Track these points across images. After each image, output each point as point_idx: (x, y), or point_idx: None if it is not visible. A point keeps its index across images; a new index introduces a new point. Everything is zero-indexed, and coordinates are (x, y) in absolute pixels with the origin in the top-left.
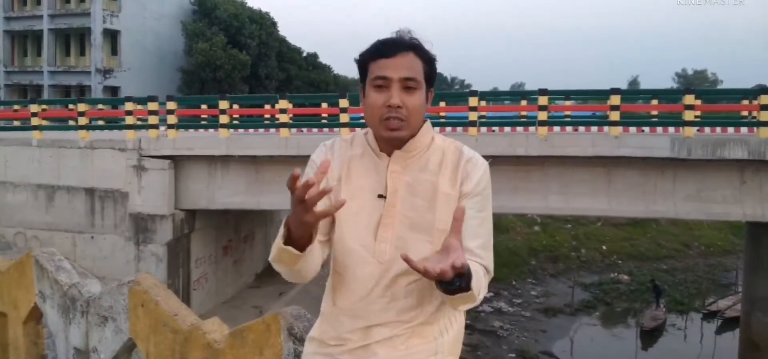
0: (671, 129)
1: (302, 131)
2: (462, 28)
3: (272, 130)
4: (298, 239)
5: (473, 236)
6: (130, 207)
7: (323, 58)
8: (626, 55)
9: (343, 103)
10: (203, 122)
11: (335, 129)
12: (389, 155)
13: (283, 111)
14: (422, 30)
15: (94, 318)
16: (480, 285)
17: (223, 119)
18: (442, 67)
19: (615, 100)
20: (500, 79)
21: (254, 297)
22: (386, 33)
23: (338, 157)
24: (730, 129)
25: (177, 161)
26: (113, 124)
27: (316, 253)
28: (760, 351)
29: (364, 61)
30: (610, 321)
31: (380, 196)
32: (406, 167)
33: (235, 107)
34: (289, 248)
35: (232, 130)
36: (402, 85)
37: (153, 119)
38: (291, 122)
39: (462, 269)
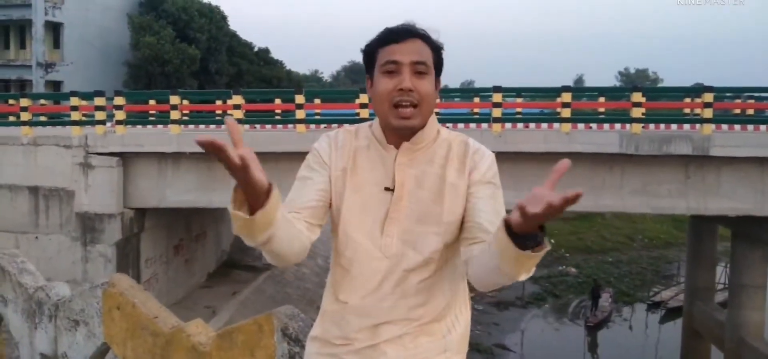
0: (618, 126)
1: (255, 127)
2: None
3: (223, 126)
4: (249, 200)
5: (490, 222)
6: (76, 206)
7: (275, 54)
8: (571, 55)
9: (299, 98)
10: (152, 118)
11: (290, 126)
12: (397, 147)
13: (236, 107)
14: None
15: (64, 322)
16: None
17: (174, 114)
18: None
19: (566, 97)
20: (449, 77)
21: (207, 297)
22: (336, 27)
23: (343, 147)
24: (674, 126)
25: (125, 159)
26: (58, 120)
27: (293, 231)
28: (702, 339)
29: (372, 49)
30: (559, 313)
31: (387, 189)
32: (413, 159)
33: (186, 102)
34: (239, 212)
35: (183, 126)
36: (413, 70)
37: (100, 115)
38: (244, 118)
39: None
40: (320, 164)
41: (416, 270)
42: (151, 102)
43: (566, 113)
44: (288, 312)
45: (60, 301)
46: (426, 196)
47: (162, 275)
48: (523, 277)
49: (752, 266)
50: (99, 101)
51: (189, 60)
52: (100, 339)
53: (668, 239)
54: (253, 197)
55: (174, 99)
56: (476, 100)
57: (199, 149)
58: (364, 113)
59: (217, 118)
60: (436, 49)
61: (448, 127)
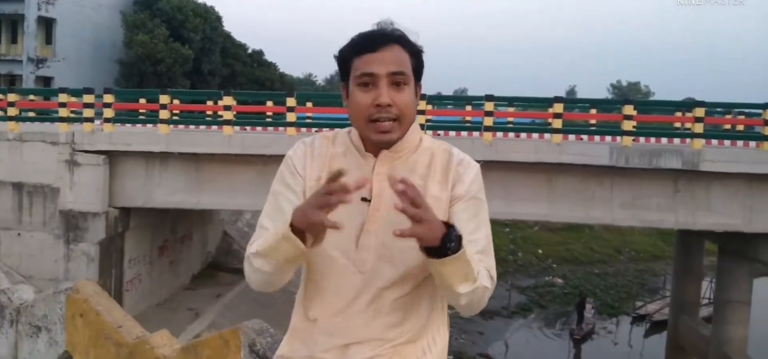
0: (608, 138)
1: (245, 129)
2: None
3: (214, 127)
4: (303, 232)
5: (470, 241)
6: (60, 204)
7: (269, 56)
8: (564, 66)
9: (291, 101)
10: (141, 117)
11: (280, 128)
12: (375, 155)
13: (227, 108)
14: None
15: (26, 327)
16: (476, 267)
17: (164, 114)
18: None
19: (558, 108)
20: (442, 84)
21: (190, 299)
22: (330, 31)
23: (319, 155)
24: (664, 140)
25: (112, 157)
26: (45, 116)
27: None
28: (686, 353)
29: (345, 57)
30: (545, 323)
31: (364, 199)
32: (392, 168)
33: (176, 102)
34: (295, 237)
35: (172, 126)
36: (390, 81)
37: (88, 112)
38: (235, 119)
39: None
40: (294, 177)
41: (392, 287)
42: (142, 101)
43: (557, 123)
44: (256, 327)
45: (22, 306)
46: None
47: (145, 275)
48: (463, 289)
49: (738, 282)
50: (88, 98)
51: (182, 60)
52: (62, 347)
53: (655, 253)
54: (314, 234)
55: (163, 98)
56: (468, 108)
57: (187, 150)
58: None
59: (207, 119)
60: (416, 53)
61: (438, 134)
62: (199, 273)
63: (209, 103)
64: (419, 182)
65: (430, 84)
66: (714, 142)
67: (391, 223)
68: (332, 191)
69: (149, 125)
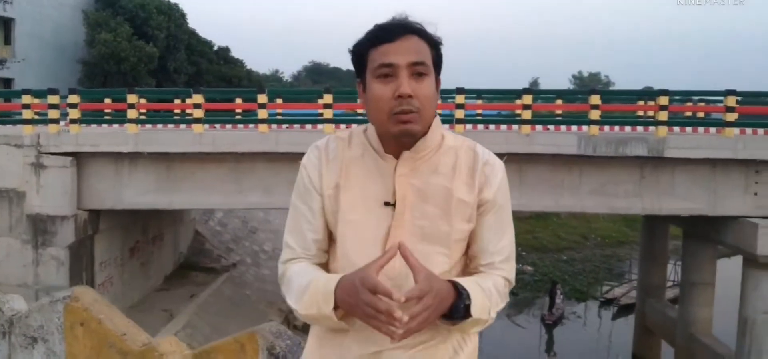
0: (574, 128)
1: (215, 127)
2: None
3: (183, 126)
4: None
5: (495, 252)
6: (27, 208)
7: (235, 53)
8: (526, 58)
9: (262, 98)
10: (108, 117)
11: (250, 126)
12: (396, 156)
13: (197, 106)
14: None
15: (20, 339)
16: (489, 303)
17: (132, 113)
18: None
19: (527, 99)
20: None
21: (163, 300)
22: (297, 27)
23: (334, 159)
24: (628, 128)
25: (80, 158)
26: (8, 118)
27: None
28: (653, 335)
29: (362, 50)
30: (516, 310)
31: (387, 203)
32: (415, 169)
33: (143, 101)
34: (337, 320)
35: (140, 125)
36: (411, 72)
37: (53, 113)
38: (204, 117)
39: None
40: (310, 188)
41: None
42: (107, 100)
43: (527, 114)
44: (273, 329)
45: (15, 316)
46: (431, 211)
47: (117, 278)
48: (476, 330)
49: (702, 264)
50: (52, 99)
51: (146, 58)
52: (61, 357)
53: (620, 238)
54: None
55: (131, 98)
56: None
57: (157, 149)
58: (328, 113)
59: (175, 117)
60: (435, 44)
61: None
62: (172, 273)
63: (177, 101)
64: (444, 183)
65: None
66: (676, 129)
67: (416, 228)
68: (378, 308)
69: (116, 125)
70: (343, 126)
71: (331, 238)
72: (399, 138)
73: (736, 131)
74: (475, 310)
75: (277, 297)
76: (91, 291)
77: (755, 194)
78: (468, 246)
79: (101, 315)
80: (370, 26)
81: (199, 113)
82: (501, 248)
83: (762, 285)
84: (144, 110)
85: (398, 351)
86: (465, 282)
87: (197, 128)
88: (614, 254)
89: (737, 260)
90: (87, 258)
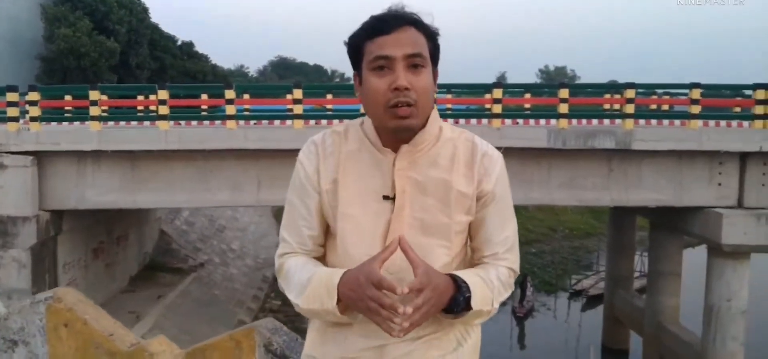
0: (543, 121)
1: (180, 124)
2: (340, 22)
3: (147, 123)
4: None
5: (498, 242)
6: None
7: (199, 48)
8: (494, 52)
9: (229, 93)
10: (69, 115)
11: (217, 122)
12: (394, 150)
13: (162, 102)
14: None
15: None
16: (491, 294)
17: (94, 110)
18: (323, 60)
19: (497, 93)
20: None
21: (130, 302)
22: (262, 22)
23: (332, 154)
24: (595, 121)
25: (41, 158)
26: None
27: None
28: (622, 325)
29: (357, 43)
30: None
31: (386, 197)
32: (413, 163)
33: (105, 97)
34: (340, 314)
35: (104, 123)
36: (407, 64)
37: (12, 111)
38: (170, 114)
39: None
40: (306, 184)
41: None
42: (68, 97)
43: (497, 108)
44: (269, 325)
45: None
46: (431, 204)
47: (81, 280)
48: (479, 321)
49: (669, 254)
50: (11, 97)
51: (108, 53)
52: None
53: (588, 230)
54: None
55: (93, 94)
56: None
57: (122, 147)
58: (298, 109)
59: (139, 114)
60: (432, 36)
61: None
62: (137, 274)
63: (140, 97)
64: (443, 176)
65: None
66: (642, 122)
67: (415, 221)
68: (383, 303)
69: (78, 123)
70: (312, 122)
71: (328, 233)
72: (397, 133)
73: (700, 123)
74: (475, 302)
75: (246, 297)
76: (73, 291)
77: (719, 184)
78: (471, 238)
79: (86, 316)
80: (336, 20)
81: (164, 110)
82: (504, 238)
83: (726, 274)
84: (106, 107)
85: (402, 344)
86: (465, 274)
87: (163, 125)
88: (582, 246)
89: (703, 250)
90: (50, 260)
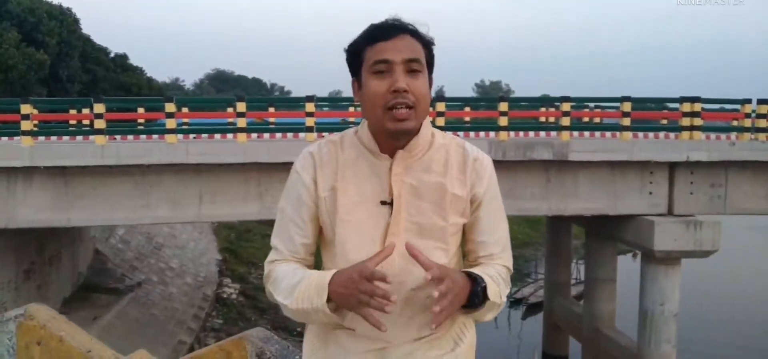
0: (482, 134)
1: (115, 138)
2: (280, 36)
3: (79, 138)
4: (338, 306)
5: (493, 243)
6: None
7: (133, 60)
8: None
9: (170, 107)
10: None
11: (155, 137)
12: (391, 155)
13: (98, 116)
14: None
15: None
16: (499, 288)
17: (26, 125)
18: (261, 73)
19: (440, 106)
20: (317, 86)
21: None
22: (198, 35)
23: (329, 163)
24: (532, 133)
25: None
26: None
27: None
28: (562, 331)
29: (357, 49)
30: None
31: (383, 203)
32: (409, 168)
33: (35, 111)
34: (332, 314)
35: (35, 138)
36: (406, 68)
37: None
38: (106, 128)
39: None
40: (302, 193)
41: (423, 287)
42: None
43: (440, 121)
44: (260, 334)
45: None
46: (427, 207)
47: (11, 303)
48: (491, 316)
49: (605, 261)
50: None
51: (37, 66)
52: None
53: (525, 239)
54: (343, 306)
55: (25, 108)
56: (351, 110)
57: (55, 163)
58: (242, 123)
59: (72, 129)
60: (428, 45)
61: (323, 136)
62: (71, 295)
63: (72, 111)
64: (438, 180)
65: (311, 86)
66: (576, 134)
67: (412, 224)
68: (375, 293)
69: (5, 138)
70: (254, 136)
71: (324, 240)
72: (394, 135)
73: (631, 135)
74: (491, 293)
75: (186, 316)
76: (46, 308)
77: (650, 193)
78: (465, 241)
79: (61, 333)
80: (274, 36)
81: (101, 124)
82: (498, 238)
83: (659, 279)
84: (36, 122)
85: (403, 346)
86: (473, 271)
87: (99, 139)
88: (520, 255)
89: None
90: None
